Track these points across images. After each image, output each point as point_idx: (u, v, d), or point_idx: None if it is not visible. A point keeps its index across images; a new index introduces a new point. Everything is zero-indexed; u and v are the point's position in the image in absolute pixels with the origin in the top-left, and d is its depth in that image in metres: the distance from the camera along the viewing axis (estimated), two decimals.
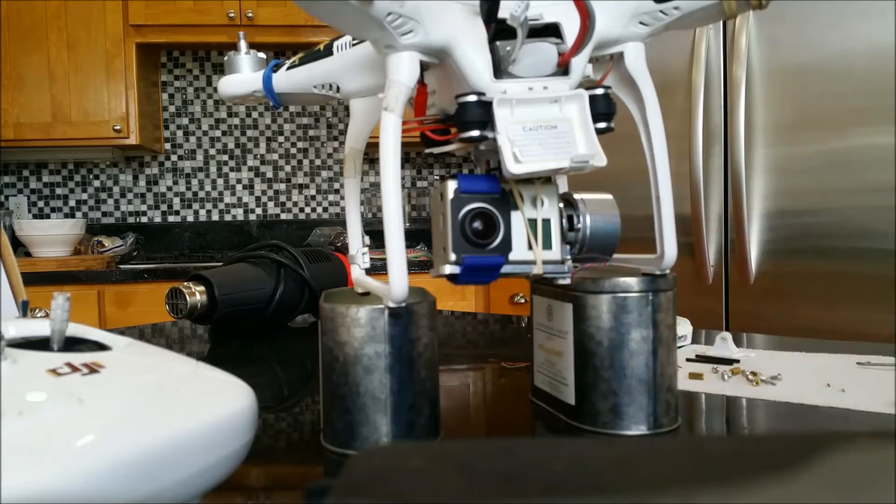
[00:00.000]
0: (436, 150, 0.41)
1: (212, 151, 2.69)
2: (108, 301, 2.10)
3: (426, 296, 0.42)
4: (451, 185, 0.38)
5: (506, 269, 0.39)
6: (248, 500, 0.36)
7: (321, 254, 0.90)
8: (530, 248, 0.39)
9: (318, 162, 2.73)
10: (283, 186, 2.72)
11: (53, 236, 2.30)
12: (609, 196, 0.42)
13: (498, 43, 0.37)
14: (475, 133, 0.37)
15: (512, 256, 0.39)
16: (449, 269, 0.38)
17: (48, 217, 2.65)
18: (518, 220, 0.39)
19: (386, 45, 0.37)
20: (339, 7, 0.34)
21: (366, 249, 0.49)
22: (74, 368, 0.28)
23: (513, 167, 0.36)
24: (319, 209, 2.73)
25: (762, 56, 1.60)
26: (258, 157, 2.71)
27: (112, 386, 0.28)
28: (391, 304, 0.38)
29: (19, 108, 2.31)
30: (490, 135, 0.37)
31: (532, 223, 0.39)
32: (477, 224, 0.38)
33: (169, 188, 2.68)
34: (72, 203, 2.66)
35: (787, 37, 1.57)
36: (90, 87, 2.33)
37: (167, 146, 2.67)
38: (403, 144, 0.38)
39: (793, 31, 1.57)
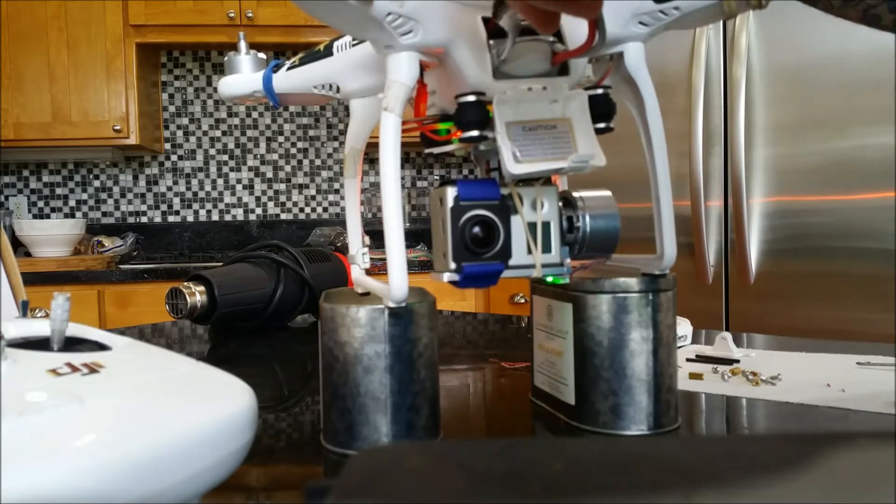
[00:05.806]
0: (436, 150, 0.41)
1: (212, 151, 2.69)
2: (108, 301, 2.10)
3: (426, 296, 0.42)
4: (451, 193, 0.38)
5: (505, 273, 0.39)
6: (248, 500, 0.36)
7: (321, 254, 0.90)
8: (530, 252, 0.39)
9: (318, 162, 2.73)
10: (283, 186, 2.72)
11: (53, 236, 2.30)
12: (608, 192, 0.42)
13: (491, 41, 0.37)
14: (475, 133, 0.37)
15: (511, 262, 0.39)
16: (448, 277, 0.38)
17: (48, 217, 2.65)
18: (518, 225, 0.39)
19: (386, 45, 0.37)
20: (338, 7, 0.34)
21: (366, 249, 0.49)
22: (74, 368, 0.28)
23: (512, 167, 0.36)
24: (319, 209, 2.73)
25: (762, 56, 1.60)
26: (258, 157, 2.71)
27: (112, 386, 0.28)
28: (391, 304, 0.38)
29: (19, 108, 2.31)
30: (490, 135, 0.37)
31: (532, 227, 0.39)
32: (477, 231, 0.38)
33: (169, 188, 2.68)
34: (72, 203, 2.66)
35: (787, 37, 1.57)
36: (90, 87, 2.33)
37: (167, 146, 2.67)
38: (403, 144, 0.38)
39: (793, 31, 1.56)
